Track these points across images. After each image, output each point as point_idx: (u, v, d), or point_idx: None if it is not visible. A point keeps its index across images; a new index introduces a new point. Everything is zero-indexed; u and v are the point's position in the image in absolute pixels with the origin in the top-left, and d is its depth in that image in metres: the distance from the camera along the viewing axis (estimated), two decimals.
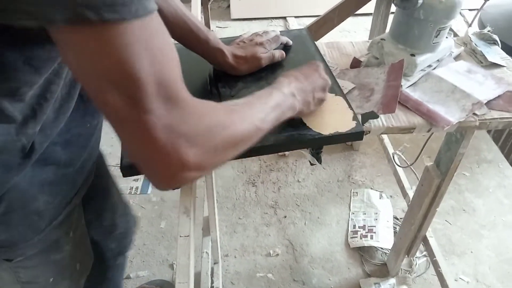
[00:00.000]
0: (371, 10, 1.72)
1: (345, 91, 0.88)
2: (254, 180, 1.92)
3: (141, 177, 1.91)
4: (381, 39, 0.96)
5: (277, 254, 1.62)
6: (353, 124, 0.76)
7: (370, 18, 1.76)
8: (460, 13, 0.88)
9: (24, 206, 0.62)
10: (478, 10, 1.11)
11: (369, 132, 0.83)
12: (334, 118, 0.77)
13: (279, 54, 0.90)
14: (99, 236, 0.99)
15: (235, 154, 0.56)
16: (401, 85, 0.88)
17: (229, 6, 3.10)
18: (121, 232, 1.07)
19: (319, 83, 0.74)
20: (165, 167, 0.45)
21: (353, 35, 2.90)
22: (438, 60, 0.97)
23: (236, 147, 0.54)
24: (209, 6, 1.65)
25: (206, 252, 1.37)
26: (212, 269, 1.45)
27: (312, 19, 1.80)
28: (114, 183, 1.02)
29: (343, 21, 1.72)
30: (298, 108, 0.68)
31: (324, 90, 0.76)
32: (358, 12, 1.76)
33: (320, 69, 0.77)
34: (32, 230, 0.65)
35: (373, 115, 0.83)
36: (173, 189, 0.54)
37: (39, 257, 0.70)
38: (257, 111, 0.58)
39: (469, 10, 2.70)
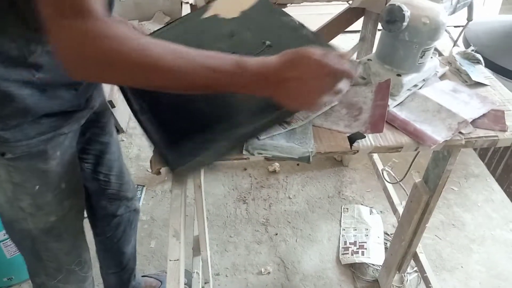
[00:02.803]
0: (359, 28, 1.75)
1: (328, 107, 0.89)
2: (244, 197, 1.92)
3: None
4: (368, 59, 0.97)
5: (269, 272, 1.61)
6: None
7: (357, 35, 1.80)
8: (445, 29, 0.90)
9: (24, 115, 0.73)
10: (461, 30, 1.14)
11: (357, 151, 0.83)
12: None
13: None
14: (93, 187, 1.08)
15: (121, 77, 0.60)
16: (388, 105, 0.90)
17: None
18: (113, 192, 1.14)
19: (327, 83, 0.65)
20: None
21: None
22: (423, 80, 0.98)
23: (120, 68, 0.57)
24: None
25: (197, 272, 1.35)
26: None
27: None
28: (117, 144, 1.12)
29: (332, 39, 1.75)
30: (269, 93, 0.64)
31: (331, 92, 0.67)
32: (346, 29, 1.79)
33: (335, 74, 0.65)
34: (22, 134, 0.75)
35: (360, 136, 0.84)
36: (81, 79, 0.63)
37: (26, 162, 0.79)
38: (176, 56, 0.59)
39: (454, 27, 2.76)
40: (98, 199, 1.13)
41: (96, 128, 1.02)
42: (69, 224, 0.95)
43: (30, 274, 1.01)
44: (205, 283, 1.46)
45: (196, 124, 0.77)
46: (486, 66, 1.10)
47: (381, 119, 0.85)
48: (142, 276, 1.51)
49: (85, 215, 1.10)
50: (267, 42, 0.89)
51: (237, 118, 0.77)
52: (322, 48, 0.66)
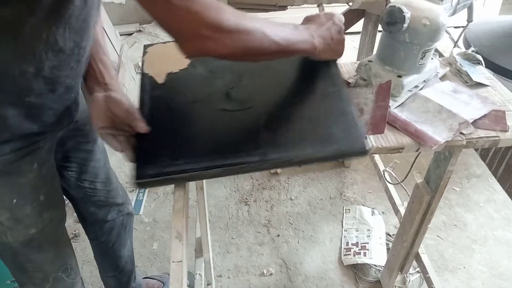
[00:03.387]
0: (359, 29, 1.76)
1: None
2: (246, 198, 1.92)
3: (133, 198, 1.90)
4: (369, 61, 0.98)
5: (271, 274, 1.62)
6: None
7: (358, 36, 1.80)
8: (446, 30, 0.90)
9: (1, 133, 0.73)
10: (462, 31, 1.14)
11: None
12: None
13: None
14: (78, 195, 1.07)
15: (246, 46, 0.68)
16: (389, 106, 0.90)
17: None
18: (100, 199, 1.11)
19: (335, 28, 0.87)
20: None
21: None
22: (424, 81, 0.99)
23: (245, 37, 0.67)
24: None
25: (199, 274, 1.36)
26: None
27: None
28: (102, 151, 1.09)
29: None
30: (317, 43, 0.82)
31: (340, 33, 0.88)
32: (346, 31, 1.79)
33: (335, 18, 0.88)
34: None
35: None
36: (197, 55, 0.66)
37: (2, 176, 0.78)
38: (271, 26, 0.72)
39: (454, 28, 2.77)
40: (86, 206, 1.11)
41: (79, 137, 1.00)
42: (50, 234, 0.93)
43: (18, 284, 1.00)
44: (208, 284, 1.46)
45: (181, 144, 0.77)
46: (486, 66, 1.10)
47: (383, 120, 0.85)
48: (144, 278, 1.51)
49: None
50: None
51: (219, 149, 0.76)
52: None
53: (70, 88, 0.79)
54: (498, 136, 0.88)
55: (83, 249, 1.68)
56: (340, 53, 0.91)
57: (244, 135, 0.79)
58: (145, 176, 0.72)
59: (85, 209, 1.11)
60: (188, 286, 1.40)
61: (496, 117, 0.91)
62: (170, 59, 0.92)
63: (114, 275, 1.32)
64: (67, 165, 1.01)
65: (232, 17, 0.64)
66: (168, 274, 1.53)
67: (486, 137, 0.88)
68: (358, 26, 1.75)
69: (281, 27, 0.75)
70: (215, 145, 0.77)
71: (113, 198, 1.16)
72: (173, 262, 0.69)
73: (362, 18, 1.71)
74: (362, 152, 0.76)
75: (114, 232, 1.22)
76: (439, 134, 0.86)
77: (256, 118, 0.81)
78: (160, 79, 0.88)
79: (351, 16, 1.70)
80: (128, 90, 2.34)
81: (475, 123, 0.90)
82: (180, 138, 0.78)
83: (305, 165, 0.77)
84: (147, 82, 0.89)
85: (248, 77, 0.90)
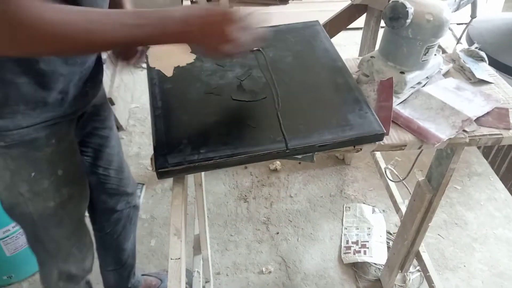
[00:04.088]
0: (361, 25, 1.74)
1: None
2: (245, 195, 1.91)
3: None
4: (371, 56, 0.96)
5: (270, 272, 1.60)
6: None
7: (360, 32, 1.78)
8: (448, 27, 0.89)
9: (16, 103, 0.75)
10: (465, 27, 1.13)
11: (361, 149, 0.82)
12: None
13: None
14: (92, 181, 1.07)
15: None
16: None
17: None
18: (112, 187, 1.14)
19: (223, 24, 0.67)
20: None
21: (343, 49, 2.93)
22: (427, 77, 0.97)
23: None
24: None
25: (198, 271, 1.35)
26: (204, 287, 1.42)
27: None
28: (116, 139, 1.13)
29: (333, 36, 1.74)
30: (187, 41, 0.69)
31: (223, 32, 0.66)
32: (348, 26, 1.78)
33: (230, 15, 0.67)
34: (13, 124, 0.77)
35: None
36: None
37: (19, 149, 0.81)
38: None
39: (457, 24, 2.75)
40: (98, 193, 1.13)
41: (96, 122, 1.03)
42: (69, 211, 0.96)
43: (33, 251, 1.04)
44: (206, 282, 1.45)
45: (201, 133, 0.79)
46: (489, 62, 1.09)
47: (387, 122, 0.83)
48: (142, 275, 1.50)
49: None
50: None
51: (241, 138, 0.78)
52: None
53: None
54: (501, 134, 0.87)
55: None
56: (217, 51, 0.70)
57: (263, 124, 0.80)
58: (168, 165, 0.72)
59: (96, 196, 1.12)
60: (186, 283, 1.39)
61: (499, 115, 0.90)
62: (175, 53, 0.95)
63: (115, 269, 1.33)
64: (84, 149, 1.04)
65: (54, 13, 0.58)
66: (166, 271, 1.54)
67: (489, 134, 0.87)
68: (360, 21, 1.73)
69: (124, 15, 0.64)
70: (235, 133, 0.78)
71: (124, 187, 1.18)
72: (171, 259, 0.68)
73: (364, 13, 1.69)
74: (380, 135, 0.79)
75: (120, 223, 1.24)
76: (442, 131, 0.84)
77: (272, 107, 0.83)
78: (168, 72, 0.89)
79: (353, 11, 1.69)
80: (125, 84, 2.32)
81: (478, 120, 0.89)
82: (199, 128, 0.80)
83: (325, 150, 0.79)
84: (155, 75, 0.90)
85: (257, 69, 0.93)
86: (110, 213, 1.20)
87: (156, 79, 0.89)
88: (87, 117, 0.97)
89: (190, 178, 1.31)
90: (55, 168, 0.88)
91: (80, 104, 0.88)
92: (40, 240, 0.98)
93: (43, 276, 1.10)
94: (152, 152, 0.76)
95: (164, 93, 0.86)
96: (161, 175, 0.73)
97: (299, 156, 0.79)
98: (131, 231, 1.30)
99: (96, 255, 1.27)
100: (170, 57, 0.94)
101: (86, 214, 1.07)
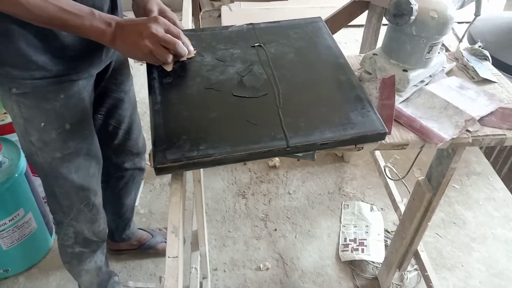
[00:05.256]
0: (362, 22, 1.72)
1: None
2: (244, 192, 1.90)
3: None
4: (374, 54, 0.95)
5: (267, 268, 1.60)
6: None
7: (361, 29, 1.77)
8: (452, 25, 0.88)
9: (31, 58, 0.83)
10: (469, 25, 1.11)
11: (362, 148, 0.81)
12: None
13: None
14: (101, 136, 1.13)
15: None
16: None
17: (220, 15, 3.10)
18: (119, 144, 1.23)
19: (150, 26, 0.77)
20: None
21: (344, 46, 2.92)
22: (430, 76, 0.96)
23: None
24: (200, 15, 1.64)
25: (195, 268, 1.34)
26: (201, 283, 1.42)
27: None
28: (131, 103, 1.20)
29: (334, 33, 1.72)
30: (107, 38, 0.77)
31: (141, 34, 0.77)
32: (349, 23, 1.76)
33: (157, 20, 0.79)
34: (29, 74, 0.85)
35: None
36: None
37: (32, 99, 0.89)
38: None
39: (458, 23, 2.73)
40: (105, 148, 1.17)
41: (112, 84, 1.11)
42: (76, 165, 1.02)
43: (51, 211, 1.15)
44: (203, 278, 1.44)
45: (200, 129, 0.77)
46: (491, 62, 1.08)
47: (389, 120, 0.82)
48: (138, 229, 1.63)
49: None
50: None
51: (241, 134, 0.77)
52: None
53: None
54: (505, 135, 0.86)
55: None
56: (138, 52, 0.80)
57: (264, 121, 0.79)
58: (166, 161, 0.71)
59: (103, 151, 1.15)
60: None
61: (503, 115, 0.89)
62: None
63: (113, 219, 1.44)
64: (98, 108, 1.12)
65: None
66: (160, 230, 1.69)
67: (493, 135, 0.86)
68: (361, 18, 1.72)
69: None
70: (235, 130, 0.77)
71: (130, 147, 1.27)
72: (168, 257, 0.67)
73: (366, 10, 1.67)
74: (382, 134, 0.78)
75: (122, 180, 1.34)
76: (445, 131, 0.83)
77: (273, 104, 0.82)
78: (168, 67, 0.87)
79: (355, 8, 1.67)
80: None
81: (481, 120, 0.87)
82: (198, 123, 0.78)
83: (326, 149, 0.78)
84: (154, 70, 0.89)
85: (259, 65, 0.91)
86: (115, 169, 1.29)
87: (155, 74, 0.88)
88: (105, 80, 1.06)
89: (189, 174, 1.30)
90: (63, 121, 0.94)
91: (94, 62, 0.94)
92: (53, 192, 1.06)
93: (60, 241, 1.19)
94: (151, 147, 0.75)
95: (164, 88, 0.85)
96: (160, 171, 0.72)
97: (300, 154, 0.78)
98: (132, 189, 1.41)
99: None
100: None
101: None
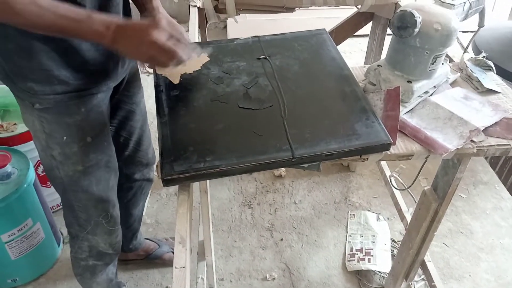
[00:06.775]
0: (368, 32, 1.74)
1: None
2: (250, 201, 1.90)
3: None
4: (378, 65, 0.96)
5: (274, 278, 1.60)
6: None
7: (366, 39, 1.78)
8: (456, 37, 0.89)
9: (53, 73, 0.85)
10: (472, 36, 1.12)
11: (367, 159, 0.82)
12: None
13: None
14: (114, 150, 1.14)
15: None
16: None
17: (225, 27, 3.13)
18: (129, 155, 1.25)
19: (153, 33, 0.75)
20: None
21: (349, 56, 2.93)
22: (434, 87, 0.97)
23: None
24: (206, 27, 1.66)
25: (202, 278, 1.34)
26: None
27: None
28: (142, 115, 1.22)
29: (339, 44, 1.74)
30: (107, 40, 0.75)
31: (143, 41, 0.75)
32: (354, 34, 1.78)
33: (158, 28, 0.75)
34: (50, 89, 0.87)
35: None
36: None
37: (53, 114, 0.91)
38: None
39: (463, 32, 2.74)
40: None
41: (124, 97, 1.13)
42: (97, 177, 1.03)
43: (66, 225, 1.15)
44: None
45: (207, 141, 0.79)
46: (496, 71, 1.08)
47: (394, 131, 0.83)
48: (145, 239, 1.63)
49: None
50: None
51: (247, 146, 0.78)
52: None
53: None
54: (510, 145, 0.86)
55: None
56: (139, 56, 0.79)
57: (269, 132, 0.80)
58: (174, 173, 0.72)
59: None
60: None
61: (508, 125, 0.89)
62: None
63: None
64: (111, 120, 1.12)
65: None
66: (166, 239, 1.69)
67: (497, 145, 0.86)
68: (366, 29, 1.73)
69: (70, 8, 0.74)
70: (241, 141, 0.79)
71: (140, 158, 1.28)
72: (175, 268, 0.67)
73: (370, 21, 1.69)
74: (386, 144, 0.79)
75: (131, 191, 1.35)
76: (450, 142, 0.84)
77: (278, 116, 0.83)
78: (175, 79, 0.90)
79: (360, 19, 1.68)
80: None
81: (486, 130, 0.88)
82: (205, 135, 0.80)
83: (331, 160, 0.79)
84: (161, 82, 0.91)
85: (264, 77, 0.93)
86: (124, 180, 1.28)
87: (162, 86, 0.90)
88: (118, 92, 1.08)
89: (195, 184, 1.31)
90: (84, 134, 0.96)
91: (111, 75, 0.96)
92: (71, 206, 1.07)
93: (74, 254, 1.19)
94: (158, 159, 0.76)
95: (171, 100, 0.87)
96: (167, 182, 0.73)
97: (305, 165, 0.79)
98: (140, 200, 1.42)
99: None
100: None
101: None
